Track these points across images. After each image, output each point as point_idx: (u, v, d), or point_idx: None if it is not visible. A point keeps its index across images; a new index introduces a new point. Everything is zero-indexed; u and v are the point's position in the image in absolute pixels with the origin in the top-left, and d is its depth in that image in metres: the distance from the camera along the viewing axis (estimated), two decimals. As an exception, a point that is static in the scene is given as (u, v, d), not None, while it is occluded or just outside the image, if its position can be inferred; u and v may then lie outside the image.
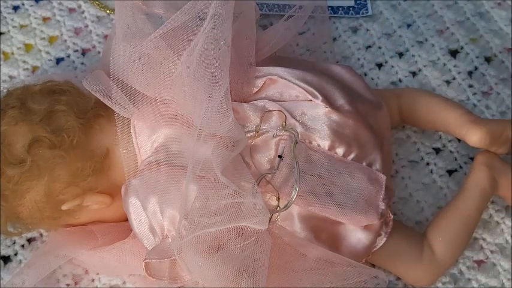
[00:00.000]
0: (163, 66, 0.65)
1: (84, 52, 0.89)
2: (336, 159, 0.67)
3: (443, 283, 0.73)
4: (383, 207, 0.67)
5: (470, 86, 0.85)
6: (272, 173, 0.65)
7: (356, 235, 0.67)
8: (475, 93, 0.85)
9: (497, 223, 0.76)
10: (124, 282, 0.73)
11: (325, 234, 0.67)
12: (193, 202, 0.61)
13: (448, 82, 0.86)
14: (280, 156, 0.65)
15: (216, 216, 0.59)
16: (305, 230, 0.66)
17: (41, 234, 0.76)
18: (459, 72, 0.86)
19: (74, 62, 0.88)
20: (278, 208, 0.64)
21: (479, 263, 0.75)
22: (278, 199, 0.64)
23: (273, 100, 0.69)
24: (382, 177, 0.68)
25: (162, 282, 0.65)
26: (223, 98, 0.61)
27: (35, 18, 0.91)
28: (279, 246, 0.64)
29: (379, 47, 0.89)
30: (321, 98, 0.68)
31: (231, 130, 0.62)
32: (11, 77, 0.87)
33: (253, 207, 0.60)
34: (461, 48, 0.88)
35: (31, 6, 0.92)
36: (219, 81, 0.62)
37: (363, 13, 0.90)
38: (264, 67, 0.70)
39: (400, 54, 0.88)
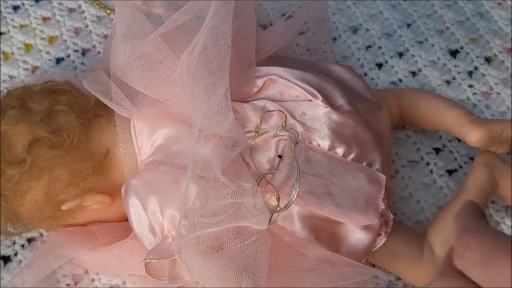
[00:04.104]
0: (163, 66, 0.65)
1: (84, 52, 0.89)
2: (336, 159, 0.67)
3: (443, 283, 0.73)
4: (383, 207, 0.67)
5: (470, 86, 0.85)
6: (272, 173, 0.65)
7: (356, 235, 0.67)
8: (475, 93, 0.85)
9: (497, 223, 0.76)
10: (124, 282, 0.73)
11: (325, 234, 0.67)
12: (193, 202, 0.61)
13: (448, 82, 0.86)
14: (280, 156, 0.65)
15: (216, 216, 0.59)
16: (305, 229, 0.66)
17: (41, 234, 0.76)
18: (459, 72, 0.86)
19: (74, 62, 0.88)
20: (278, 208, 0.64)
21: (479, 263, 0.74)
22: (278, 199, 0.64)
23: (273, 100, 0.69)
24: (382, 177, 0.68)
25: (162, 282, 0.65)
26: (223, 98, 0.61)
27: (35, 18, 0.91)
28: (279, 246, 0.64)
29: (379, 47, 0.89)
30: (321, 98, 0.68)
31: (231, 130, 0.62)
32: (11, 77, 0.87)
33: (253, 207, 0.60)
34: (461, 48, 0.88)
35: (31, 6, 0.92)
36: (219, 81, 0.62)
37: None
38: (264, 67, 0.70)
39: (400, 54, 0.88)
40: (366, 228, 0.67)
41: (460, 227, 0.43)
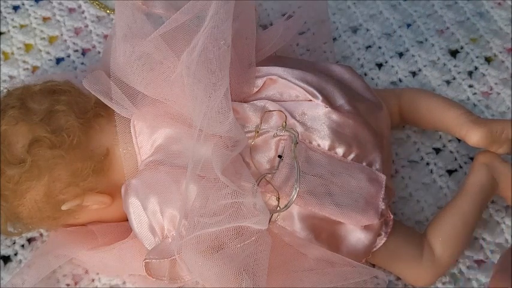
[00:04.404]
0: (163, 66, 0.65)
1: (84, 52, 0.89)
2: (336, 159, 0.67)
3: (443, 283, 0.73)
4: (383, 207, 0.67)
5: (470, 86, 0.85)
6: (272, 173, 0.65)
7: (356, 235, 0.67)
8: (475, 93, 0.85)
9: (497, 223, 0.76)
10: (124, 282, 0.73)
11: (325, 234, 0.66)
12: (193, 202, 0.61)
13: (448, 82, 0.86)
14: (280, 156, 0.65)
15: (216, 216, 0.59)
16: (305, 229, 0.66)
17: (41, 234, 0.76)
18: (459, 72, 0.86)
19: (74, 62, 0.88)
20: (278, 208, 0.64)
21: (479, 263, 0.74)
22: (278, 199, 0.64)
23: (273, 100, 0.69)
24: (382, 177, 0.68)
25: (162, 282, 0.65)
26: (223, 98, 0.61)
27: (35, 18, 0.91)
28: (279, 246, 0.64)
29: (379, 47, 0.89)
30: (321, 98, 0.68)
31: (231, 130, 0.62)
32: (11, 77, 0.87)
33: (253, 207, 0.60)
34: (461, 48, 0.88)
35: (31, 6, 0.92)
36: (219, 81, 0.62)
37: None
38: (264, 67, 0.70)
39: (400, 54, 0.88)
40: (366, 228, 0.67)
41: (498, 264, 0.44)
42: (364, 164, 0.68)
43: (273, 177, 0.64)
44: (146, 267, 0.64)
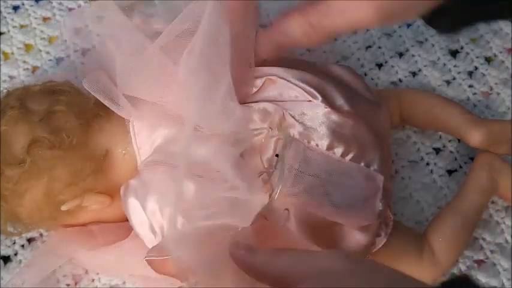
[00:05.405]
0: (163, 70, 0.65)
1: (84, 52, 0.89)
2: (334, 159, 0.67)
3: (443, 283, 0.73)
4: (380, 208, 0.67)
5: (470, 86, 0.85)
6: (270, 172, 0.65)
7: (354, 236, 0.67)
8: (475, 93, 0.85)
9: (497, 223, 0.76)
10: (124, 282, 0.73)
11: (323, 236, 0.66)
12: (191, 200, 0.61)
13: (448, 82, 0.86)
14: (278, 156, 0.65)
15: (214, 213, 0.59)
16: (303, 232, 0.65)
17: (41, 234, 0.76)
18: (459, 72, 0.86)
19: (74, 62, 0.88)
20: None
21: (479, 262, 0.75)
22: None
23: (273, 100, 0.68)
24: (380, 178, 0.67)
25: (163, 281, 0.65)
26: (225, 96, 0.61)
27: (35, 18, 0.91)
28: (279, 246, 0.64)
29: (379, 47, 0.88)
30: (320, 98, 0.67)
31: (234, 127, 0.62)
32: (11, 77, 0.87)
33: (252, 204, 0.60)
34: (461, 48, 0.88)
35: (31, 6, 0.92)
36: (220, 80, 0.62)
37: None
38: (263, 67, 0.70)
39: (400, 54, 0.88)
40: (364, 228, 0.67)
41: None
42: (362, 164, 0.68)
43: (271, 177, 0.64)
44: (150, 264, 0.64)
